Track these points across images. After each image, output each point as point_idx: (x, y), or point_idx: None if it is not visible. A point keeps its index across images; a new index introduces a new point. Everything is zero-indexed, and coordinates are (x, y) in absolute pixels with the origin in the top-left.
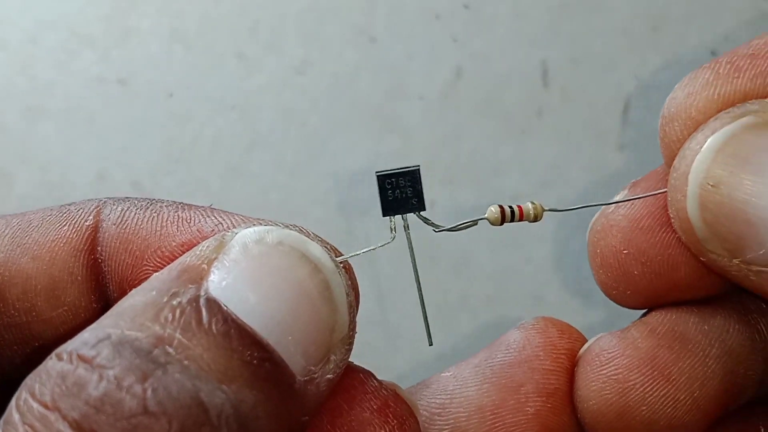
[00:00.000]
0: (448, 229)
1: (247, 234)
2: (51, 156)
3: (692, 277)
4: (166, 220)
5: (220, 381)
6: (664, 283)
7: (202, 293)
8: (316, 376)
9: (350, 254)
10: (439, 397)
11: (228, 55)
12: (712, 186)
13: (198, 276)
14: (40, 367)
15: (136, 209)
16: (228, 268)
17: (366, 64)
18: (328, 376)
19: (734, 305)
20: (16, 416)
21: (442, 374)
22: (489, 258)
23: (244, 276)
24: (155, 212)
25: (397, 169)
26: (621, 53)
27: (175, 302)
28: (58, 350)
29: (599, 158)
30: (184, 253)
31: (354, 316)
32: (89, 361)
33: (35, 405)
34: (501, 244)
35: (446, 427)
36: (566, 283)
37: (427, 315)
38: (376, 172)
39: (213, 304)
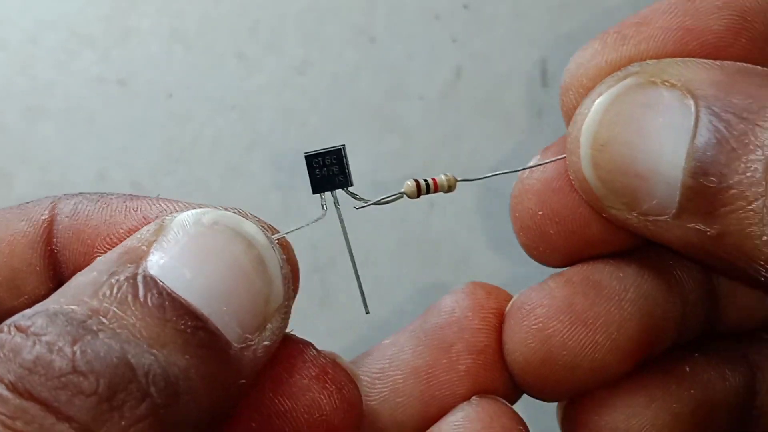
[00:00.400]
0: (373, 203)
1: (184, 216)
2: (51, 156)
3: (604, 233)
4: (115, 210)
5: (151, 346)
6: (578, 240)
7: (140, 271)
8: (252, 343)
9: (285, 232)
10: (378, 362)
11: (228, 55)
12: (601, 146)
13: (138, 256)
14: None
15: (88, 202)
16: (166, 248)
17: (366, 64)
18: (265, 343)
19: (650, 254)
20: None
21: (383, 342)
22: (489, 258)
23: (181, 254)
24: (105, 204)
25: (323, 148)
26: None
27: (113, 280)
28: (0, 325)
29: None
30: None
31: (289, 288)
32: (24, 330)
33: None
34: (501, 243)
35: (385, 389)
36: None
37: (362, 284)
38: (305, 153)
39: (149, 280)
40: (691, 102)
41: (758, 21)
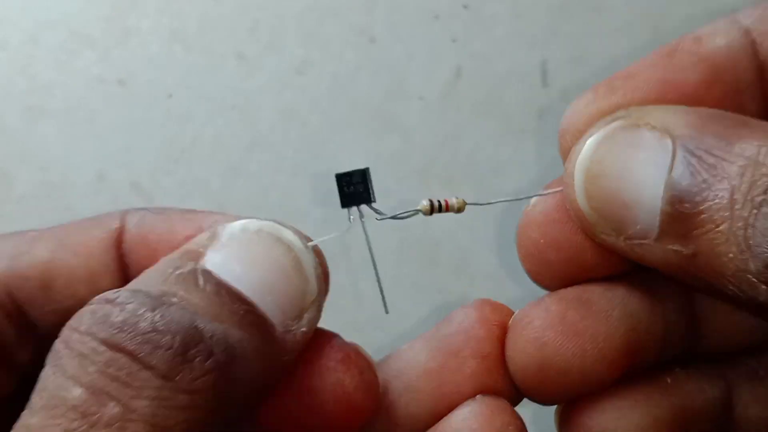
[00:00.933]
0: (389, 218)
1: (234, 225)
2: (51, 156)
3: (597, 258)
4: (175, 221)
5: (212, 320)
6: (575, 265)
7: (198, 267)
8: (293, 328)
9: (318, 240)
10: (396, 363)
11: (228, 55)
12: (593, 179)
13: (196, 256)
14: (76, 314)
15: (152, 214)
16: (219, 250)
17: (366, 65)
18: (303, 329)
19: (637, 279)
20: (60, 345)
21: (401, 348)
22: (489, 258)
23: (232, 255)
24: (166, 215)
25: (351, 170)
26: (620, 53)
27: (177, 272)
28: (90, 301)
29: None
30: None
31: (322, 285)
32: (112, 301)
33: (75, 335)
34: (501, 244)
35: (401, 386)
36: None
37: (377, 285)
38: (335, 174)
39: (207, 272)
40: (669, 141)
41: (728, 74)
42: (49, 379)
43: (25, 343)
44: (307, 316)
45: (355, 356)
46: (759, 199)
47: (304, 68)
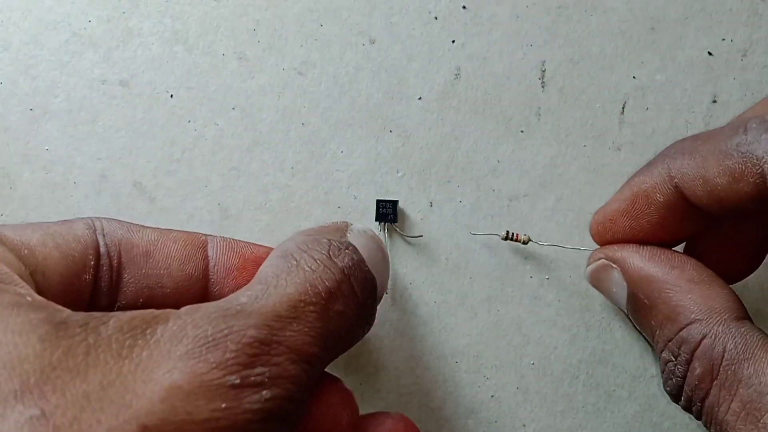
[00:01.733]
0: (479, 234)
1: (358, 226)
2: (53, 156)
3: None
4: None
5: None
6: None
7: (345, 241)
8: (381, 298)
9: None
10: None
11: (229, 56)
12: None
13: (342, 233)
14: (316, 240)
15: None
16: (353, 237)
17: (366, 65)
18: (382, 297)
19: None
20: (298, 251)
21: None
22: (489, 258)
23: (359, 243)
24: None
25: (388, 199)
26: (619, 54)
27: (329, 238)
28: (321, 232)
29: (597, 158)
30: (266, 256)
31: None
32: (346, 245)
33: (321, 256)
34: (500, 243)
35: None
36: (565, 282)
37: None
38: (377, 198)
39: (350, 245)
40: (626, 284)
41: (665, 212)
42: (316, 258)
43: (111, 295)
44: (385, 291)
45: (351, 401)
46: (655, 329)
47: (305, 69)
